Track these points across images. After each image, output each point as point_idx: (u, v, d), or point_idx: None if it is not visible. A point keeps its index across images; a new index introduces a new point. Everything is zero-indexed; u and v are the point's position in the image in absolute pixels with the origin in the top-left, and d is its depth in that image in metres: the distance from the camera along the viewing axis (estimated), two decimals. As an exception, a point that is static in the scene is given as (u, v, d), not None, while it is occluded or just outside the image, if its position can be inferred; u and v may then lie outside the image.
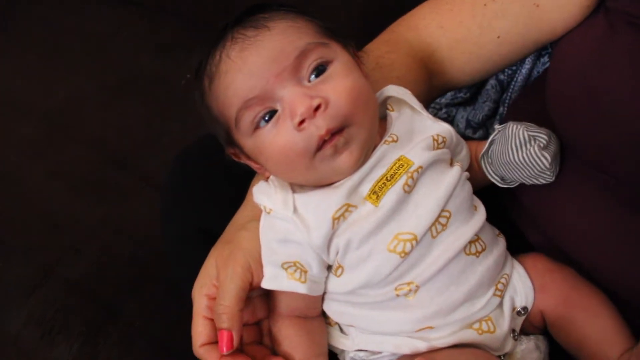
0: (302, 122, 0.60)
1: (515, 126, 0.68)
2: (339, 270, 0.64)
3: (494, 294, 0.66)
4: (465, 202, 0.66)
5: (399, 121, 0.68)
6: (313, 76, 0.62)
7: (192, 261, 0.69)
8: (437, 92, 0.82)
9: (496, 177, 0.72)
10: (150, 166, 1.31)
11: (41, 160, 1.40)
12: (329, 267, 0.65)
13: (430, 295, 0.63)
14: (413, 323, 0.64)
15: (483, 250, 0.66)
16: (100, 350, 1.00)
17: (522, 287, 0.68)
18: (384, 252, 0.62)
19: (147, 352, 0.99)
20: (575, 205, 0.70)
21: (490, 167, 0.71)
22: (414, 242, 0.62)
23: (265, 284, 0.63)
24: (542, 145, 0.67)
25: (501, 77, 1.02)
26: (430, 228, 0.62)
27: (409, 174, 0.63)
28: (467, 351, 0.64)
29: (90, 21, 1.76)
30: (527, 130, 0.67)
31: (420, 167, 0.64)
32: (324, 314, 0.69)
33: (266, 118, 0.62)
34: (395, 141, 0.66)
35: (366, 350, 0.68)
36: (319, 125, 0.60)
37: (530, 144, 0.67)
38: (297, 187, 0.66)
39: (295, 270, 0.63)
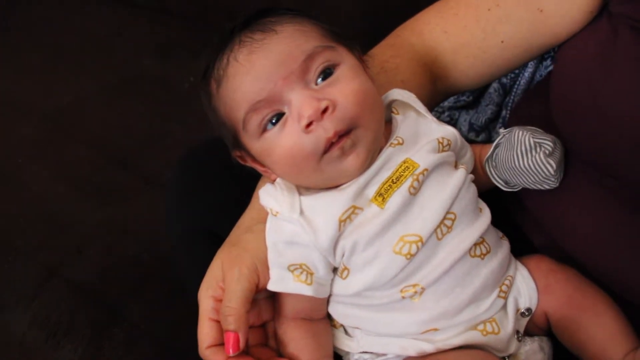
0: (309, 124, 0.60)
1: (521, 132, 0.68)
2: (345, 273, 0.64)
3: (498, 296, 0.66)
4: (470, 205, 0.66)
5: (404, 124, 0.68)
6: (320, 79, 0.63)
7: (197, 263, 0.69)
8: (441, 95, 0.83)
9: (500, 181, 0.72)
10: (152, 167, 1.31)
11: (44, 161, 1.40)
12: (335, 270, 0.65)
13: (435, 297, 0.64)
14: (418, 325, 0.65)
15: (488, 252, 0.66)
16: (104, 352, 1.00)
17: (525, 288, 0.68)
18: (389, 254, 0.62)
19: (151, 353, 0.99)
20: (579, 207, 0.70)
21: (494, 171, 0.72)
22: (419, 244, 0.62)
23: (272, 286, 0.63)
24: (547, 152, 0.67)
25: (504, 80, 1.02)
26: (435, 230, 0.63)
27: (415, 177, 0.63)
28: (472, 353, 0.65)
29: (91, 22, 1.76)
30: (533, 137, 0.67)
31: (426, 169, 0.64)
32: (328, 317, 0.69)
33: (273, 121, 0.63)
34: (401, 144, 0.66)
35: (371, 352, 0.68)
36: (327, 128, 0.60)
37: (536, 151, 0.67)
38: (303, 189, 0.66)
39: (301, 273, 0.63)
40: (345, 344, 0.69)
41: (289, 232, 0.63)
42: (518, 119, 0.87)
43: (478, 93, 1.06)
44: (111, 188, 1.29)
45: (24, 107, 1.56)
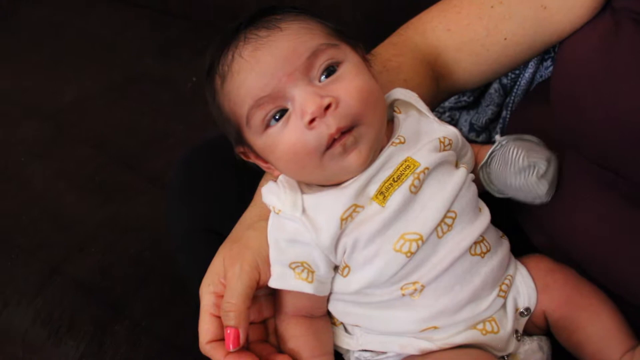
0: (312, 120, 0.61)
1: (515, 150, 0.68)
2: (346, 270, 0.65)
3: (498, 295, 0.66)
4: (470, 203, 0.66)
5: (406, 123, 0.69)
6: (324, 76, 0.63)
7: (199, 261, 0.69)
8: (444, 94, 0.83)
9: (492, 189, 0.72)
10: (155, 166, 1.31)
11: (46, 160, 1.40)
12: (336, 268, 0.66)
13: (435, 295, 0.64)
14: (418, 323, 0.65)
15: (488, 250, 0.66)
16: (107, 349, 1.00)
17: (525, 288, 0.69)
18: (390, 252, 0.62)
19: (153, 350, 0.98)
20: (579, 205, 0.70)
21: (487, 179, 0.72)
22: (419, 242, 0.62)
23: (273, 283, 0.64)
24: (540, 173, 0.68)
25: (504, 81, 1.03)
26: (436, 228, 0.63)
27: (416, 175, 0.64)
28: (470, 352, 0.65)
29: (93, 21, 1.76)
30: (527, 157, 0.68)
31: (427, 168, 0.64)
32: (328, 314, 0.70)
33: (277, 117, 0.63)
34: (403, 143, 0.66)
35: (371, 351, 0.68)
36: (329, 124, 0.61)
37: (529, 172, 0.68)
38: (305, 187, 0.66)
39: (302, 270, 0.63)
40: (344, 341, 0.69)
41: (291, 230, 0.64)
42: (519, 120, 0.88)
43: (478, 93, 1.06)
44: (113, 186, 1.29)
45: (25, 106, 1.55)
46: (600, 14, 0.69)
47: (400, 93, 0.71)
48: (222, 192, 0.82)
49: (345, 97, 0.62)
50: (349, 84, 0.63)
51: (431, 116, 0.70)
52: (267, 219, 0.66)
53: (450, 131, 0.69)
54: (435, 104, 0.83)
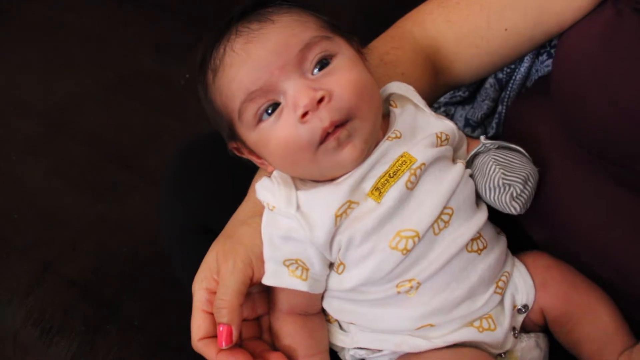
0: (305, 114, 0.60)
1: (493, 166, 0.67)
2: (341, 268, 0.64)
3: (495, 292, 0.66)
4: (467, 199, 0.66)
5: (402, 118, 0.68)
6: (317, 69, 0.62)
7: (192, 258, 0.68)
8: (443, 88, 0.82)
9: None
10: (149, 163, 1.31)
11: (40, 157, 1.39)
12: (331, 265, 0.65)
13: (431, 292, 0.64)
14: (414, 320, 0.64)
15: (485, 247, 0.66)
16: (99, 349, 1.00)
17: (523, 285, 0.68)
18: (385, 249, 0.62)
19: (146, 349, 0.98)
20: (580, 198, 0.70)
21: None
22: (415, 239, 0.62)
23: (267, 280, 0.63)
24: (514, 195, 0.66)
25: (500, 75, 1.02)
26: (432, 225, 0.62)
27: (412, 171, 0.63)
28: (466, 351, 0.64)
29: (87, 18, 1.75)
30: (503, 177, 0.66)
31: (423, 164, 0.64)
32: (323, 311, 0.69)
33: (269, 111, 0.62)
34: (399, 137, 0.66)
35: (366, 348, 0.68)
36: (323, 118, 0.60)
37: (503, 190, 0.66)
38: (299, 182, 0.66)
39: (296, 268, 0.63)
40: (339, 339, 0.69)
41: (285, 227, 0.63)
42: (515, 116, 0.87)
43: (474, 88, 1.06)
44: (106, 184, 1.29)
45: (19, 103, 1.55)
46: (602, 4, 0.69)
47: (396, 87, 0.70)
48: (216, 189, 0.81)
49: (339, 90, 0.61)
50: (343, 77, 0.62)
51: (428, 110, 0.70)
52: (261, 215, 0.65)
53: (447, 126, 0.69)
54: (434, 98, 0.83)
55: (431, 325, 0.64)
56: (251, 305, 0.66)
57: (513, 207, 0.67)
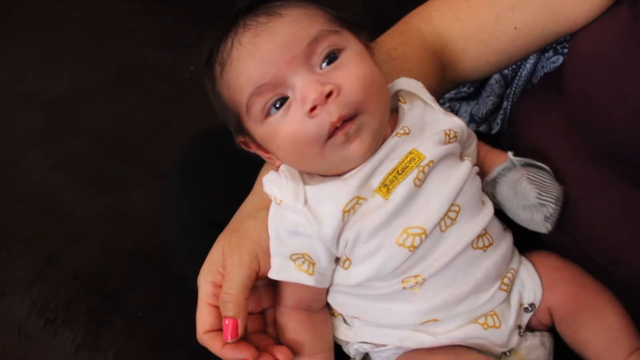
0: (313, 108, 0.59)
1: (527, 185, 0.68)
2: (347, 263, 0.64)
3: (500, 288, 0.66)
4: (474, 197, 0.66)
5: (410, 114, 0.68)
6: (325, 63, 0.62)
7: (197, 252, 0.68)
8: (450, 84, 0.82)
9: (494, 202, 0.71)
10: (153, 157, 1.31)
11: (44, 150, 1.40)
12: (337, 260, 0.65)
13: (436, 288, 0.63)
14: (418, 315, 0.64)
15: (490, 244, 0.65)
16: (103, 340, 1.00)
17: (530, 283, 0.68)
18: (392, 246, 0.62)
19: (150, 341, 0.98)
20: (591, 195, 0.70)
21: (492, 195, 0.71)
22: (423, 237, 0.61)
23: (273, 275, 0.63)
24: (547, 214, 0.67)
25: (505, 72, 1.02)
26: (439, 222, 0.62)
27: (420, 168, 0.63)
28: (466, 352, 0.65)
29: (91, 11, 1.75)
30: (538, 196, 0.67)
31: (432, 161, 0.63)
32: (327, 306, 0.69)
33: (277, 105, 0.62)
34: (407, 134, 0.65)
35: (370, 343, 0.68)
36: (331, 112, 0.60)
37: (538, 210, 0.67)
38: (307, 177, 0.65)
39: (303, 262, 0.63)
40: (343, 333, 0.69)
41: (293, 221, 0.63)
42: (521, 113, 0.87)
43: (479, 84, 1.06)
44: (111, 177, 1.29)
45: (23, 96, 1.55)
46: (616, 5, 0.68)
47: (404, 83, 0.70)
48: (221, 182, 0.81)
49: (347, 85, 0.60)
50: (351, 71, 0.61)
51: (436, 106, 0.69)
52: (267, 209, 0.65)
53: (456, 123, 0.68)
54: (440, 94, 0.82)
55: (435, 320, 0.64)
56: (256, 299, 0.66)
57: (545, 227, 0.68)
